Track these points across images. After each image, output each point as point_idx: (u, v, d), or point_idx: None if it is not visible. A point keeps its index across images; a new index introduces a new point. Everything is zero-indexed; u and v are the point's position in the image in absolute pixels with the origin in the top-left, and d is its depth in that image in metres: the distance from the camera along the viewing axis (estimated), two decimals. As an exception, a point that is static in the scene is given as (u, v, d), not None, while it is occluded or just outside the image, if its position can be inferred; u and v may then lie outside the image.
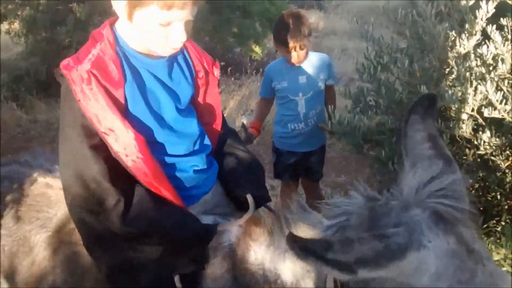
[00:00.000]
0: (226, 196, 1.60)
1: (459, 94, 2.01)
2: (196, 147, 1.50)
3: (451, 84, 2.09)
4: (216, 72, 1.54)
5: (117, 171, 1.30)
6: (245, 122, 3.16)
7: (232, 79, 5.81)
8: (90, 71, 1.24)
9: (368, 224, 0.96)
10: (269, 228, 1.33)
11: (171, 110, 1.41)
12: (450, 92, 1.98)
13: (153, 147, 1.36)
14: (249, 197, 1.49)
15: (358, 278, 0.86)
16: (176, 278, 1.34)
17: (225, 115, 1.89)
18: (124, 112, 1.30)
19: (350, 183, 3.54)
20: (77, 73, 1.25)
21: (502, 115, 1.76)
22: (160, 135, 1.39)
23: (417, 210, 0.92)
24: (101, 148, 1.28)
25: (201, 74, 1.49)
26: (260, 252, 1.30)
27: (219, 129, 1.61)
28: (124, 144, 1.27)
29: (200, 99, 1.53)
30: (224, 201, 1.59)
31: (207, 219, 1.45)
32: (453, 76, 2.14)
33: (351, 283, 1.06)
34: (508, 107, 1.77)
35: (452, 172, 0.97)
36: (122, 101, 1.29)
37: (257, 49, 6.31)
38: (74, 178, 1.31)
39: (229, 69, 5.84)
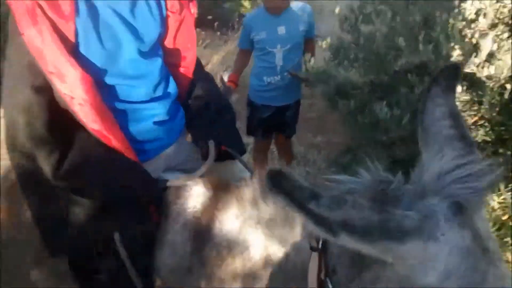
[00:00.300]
0: (197, 151, 1.47)
1: (437, 48, 1.93)
2: (158, 93, 1.37)
3: (431, 37, 2.01)
4: (193, 9, 1.42)
5: (59, 118, 1.18)
6: (224, 77, 3.07)
7: (218, 34, 5.64)
8: (35, 1, 1.11)
9: (371, 206, 0.85)
10: (239, 196, 1.21)
11: (131, 50, 1.28)
12: (426, 47, 1.90)
13: (104, 91, 1.24)
14: (211, 145, 1.38)
15: (338, 241, 0.78)
16: (117, 237, 1.23)
17: (207, 70, 1.79)
18: (73, 49, 1.18)
19: (326, 143, 3.48)
20: (21, 3, 1.12)
21: (472, 69, 1.70)
22: (113, 77, 1.27)
23: (435, 199, 0.82)
24: (44, 90, 1.16)
25: (175, 8, 1.36)
26: (227, 223, 1.20)
27: (191, 74, 1.48)
28: (70, 85, 1.15)
29: (170, 38, 1.40)
30: (192, 157, 1.49)
31: (170, 177, 1.35)
32: (434, 30, 2.05)
33: (340, 271, 0.98)
34: (477, 60, 1.70)
35: (472, 154, 0.87)
36: (71, 37, 1.17)
37: (246, 3, 6.12)
38: (12, 119, 1.20)
39: (215, 24, 5.67)
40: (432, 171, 0.86)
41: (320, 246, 1.01)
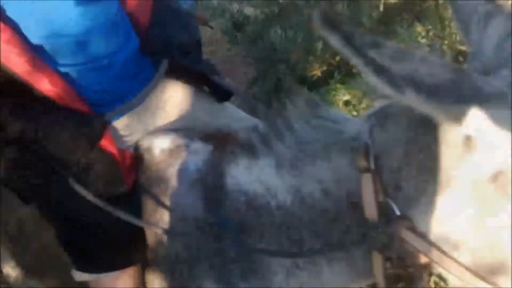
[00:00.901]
0: None
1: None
2: (111, 47, 1.10)
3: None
4: None
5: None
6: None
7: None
8: None
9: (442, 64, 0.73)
10: (243, 143, 1.05)
11: (65, 5, 1.02)
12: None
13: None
14: (163, 61, 1.15)
15: (402, 98, 0.67)
16: (72, 181, 1.07)
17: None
18: None
19: (236, 82, 3.49)
20: None
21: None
22: (48, 40, 1.03)
23: (506, 70, 0.72)
24: None
25: None
26: (239, 176, 1.05)
27: (148, 19, 1.21)
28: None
29: None
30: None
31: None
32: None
33: (407, 185, 0.84)
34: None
35: None
36: None
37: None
38: None
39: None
40: (488, 45, 0.78)
41: (372, 164, 0.86)
